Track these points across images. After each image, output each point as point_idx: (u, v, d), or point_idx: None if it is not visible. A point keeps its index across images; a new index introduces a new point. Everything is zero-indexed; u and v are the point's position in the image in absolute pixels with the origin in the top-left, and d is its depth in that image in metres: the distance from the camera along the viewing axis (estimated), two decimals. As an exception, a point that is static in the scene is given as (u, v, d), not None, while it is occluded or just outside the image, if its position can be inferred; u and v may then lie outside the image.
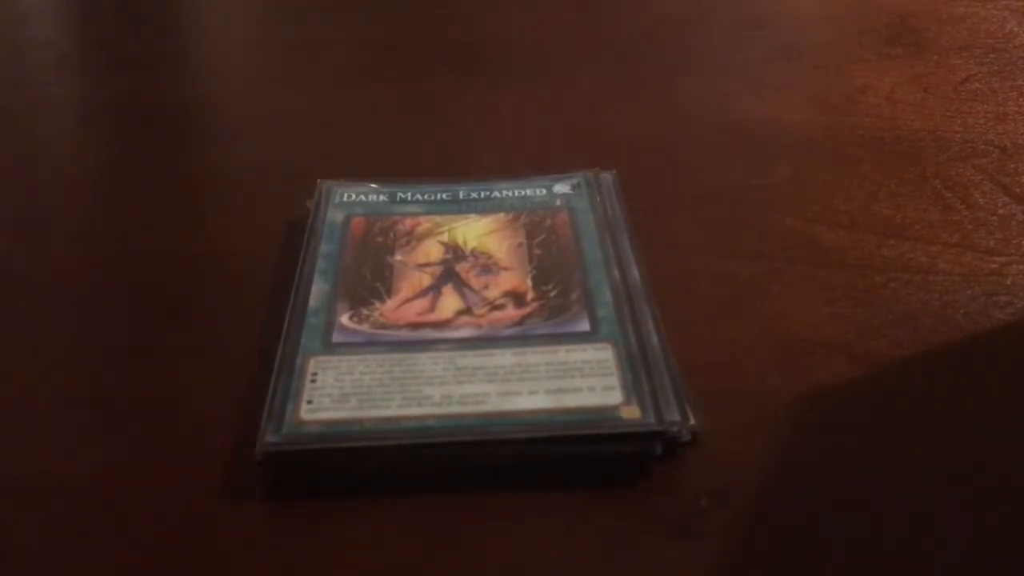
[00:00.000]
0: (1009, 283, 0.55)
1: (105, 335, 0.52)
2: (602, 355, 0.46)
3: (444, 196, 0.60)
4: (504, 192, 0.60)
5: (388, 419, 0.42)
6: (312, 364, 0.46)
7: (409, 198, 0.60)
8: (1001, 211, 0.62)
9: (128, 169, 0.69)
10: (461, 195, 0.60)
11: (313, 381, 0.45)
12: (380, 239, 0.56)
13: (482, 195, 0.60)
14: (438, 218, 0.58)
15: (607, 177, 0.62)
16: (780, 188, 0.64)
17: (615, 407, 0.43)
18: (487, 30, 0.91)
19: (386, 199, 0.60)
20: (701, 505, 0.41)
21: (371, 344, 0.47)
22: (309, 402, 0.43)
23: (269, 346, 0.49)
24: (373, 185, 0.61)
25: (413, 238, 0.56)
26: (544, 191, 0.60)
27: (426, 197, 0.60)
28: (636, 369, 0.45)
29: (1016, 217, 0.61)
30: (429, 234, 0.56)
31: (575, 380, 0.45)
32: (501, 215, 0.58)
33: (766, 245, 0.58)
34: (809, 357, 0.50)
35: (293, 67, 0.85)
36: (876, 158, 0.68)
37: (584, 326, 0.48)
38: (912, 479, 0.43)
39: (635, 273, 0.53)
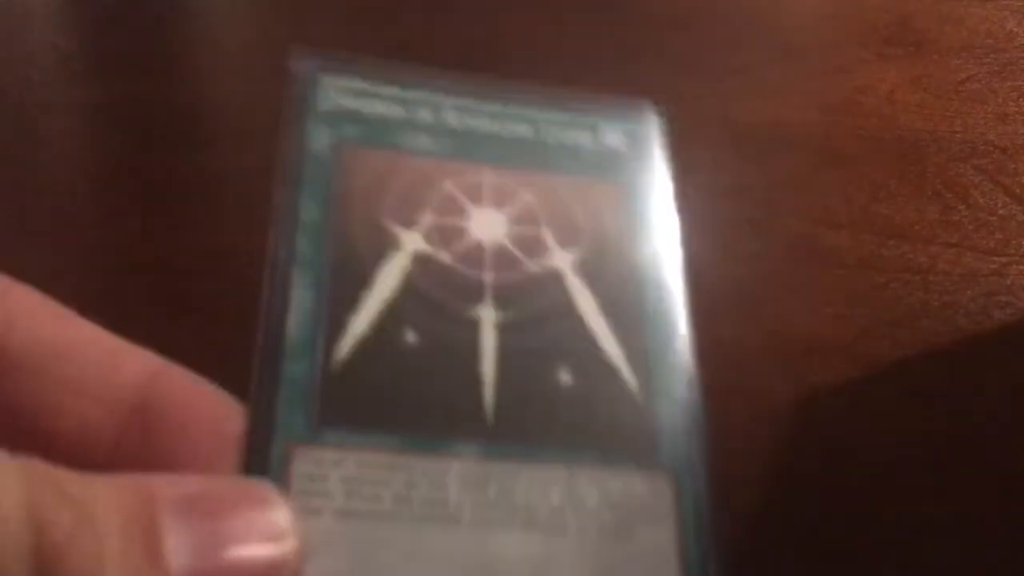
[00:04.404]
0: (1009, 283, 0.55)
1: (105, 335, 0.52)
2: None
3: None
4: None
5: None
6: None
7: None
8: (1001, 211, 0.62)
9: (129, 170, 0.69)
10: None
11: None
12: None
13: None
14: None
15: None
16: (780, 188, 0.64)
17: None
18: (487, 30, 0.91)
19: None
20: (701, 505, 0.41)
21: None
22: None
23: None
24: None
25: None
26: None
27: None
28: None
29: (1016, 217, 0.61)
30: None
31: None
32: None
33: (766, 245, 0.58)
34: (809, 357, 0.49)
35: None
36: (876, 158, 0.68)
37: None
38: (912, 479, 0.43)
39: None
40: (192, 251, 0.59)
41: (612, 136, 0.39)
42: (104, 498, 0.21)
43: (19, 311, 0.29)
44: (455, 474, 0.29)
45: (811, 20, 0.91)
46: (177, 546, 0.22)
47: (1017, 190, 0.64)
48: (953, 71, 0.78)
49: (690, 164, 0.72)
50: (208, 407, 0.29)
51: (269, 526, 0.24)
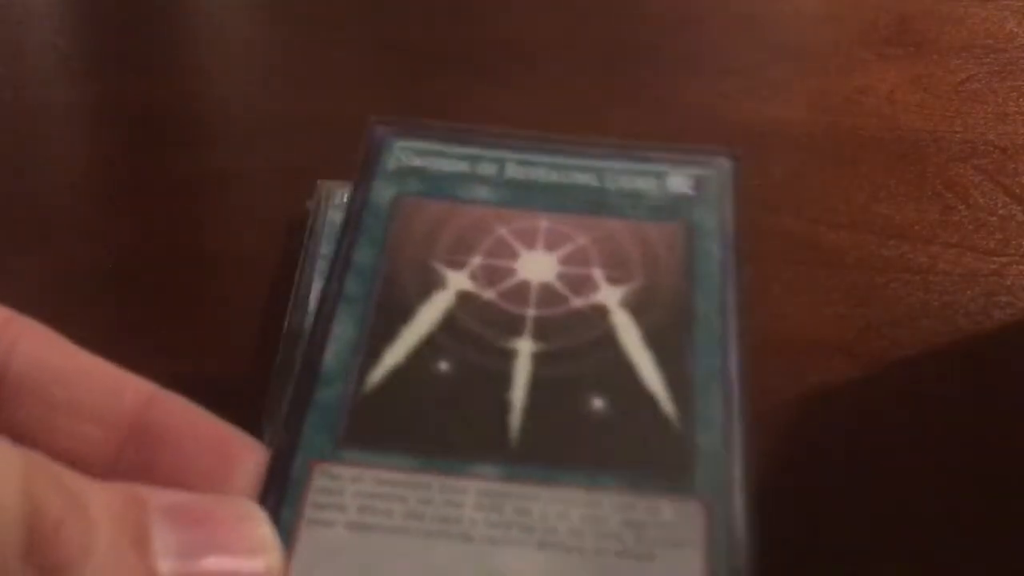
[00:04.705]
0: (1009, 283, 0.55)
1: (104, 336, 0.52)
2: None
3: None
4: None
5: None
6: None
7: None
8: (1001, 211, 0.62)
9: (128, 170, 0.69)
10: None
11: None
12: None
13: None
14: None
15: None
16: (780, 188, 0.64)
17: None
18: (487, 30, 0.91)
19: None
20: (701, 505, 0.41)
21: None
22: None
23: (268, 345, 0.49)
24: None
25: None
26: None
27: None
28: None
29: (1016, 217, 0.61)
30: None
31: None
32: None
33: (766, 245, 0.58)
34: (809, 357, 0.49)
35: (293, 67, 0.85)
36: (876, 158, 0.68)
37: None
38: (913, 480, 0.43)
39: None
40: (192, 252, 0.59)
41: (678, 182, 0.39)
42: (97, 494, 0.22)
43: (21, 339, 0.31)
44: (471, 493, 0.29)
45: (811, 20, 0.91)
46: (164, 547, 0.23)
47: (1017, 190, 0.64)
48: (953, 71, 0.78)
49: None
50: (204, 430, 0.30)
51: (252, 540, 0.25)
